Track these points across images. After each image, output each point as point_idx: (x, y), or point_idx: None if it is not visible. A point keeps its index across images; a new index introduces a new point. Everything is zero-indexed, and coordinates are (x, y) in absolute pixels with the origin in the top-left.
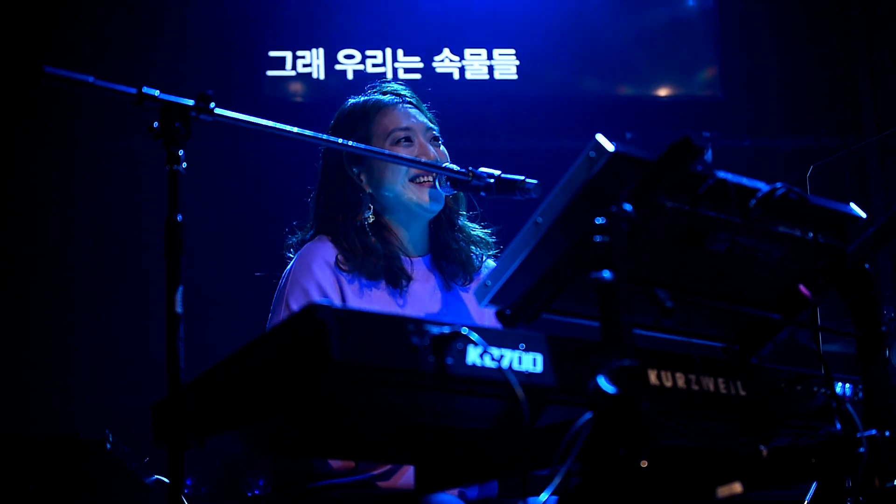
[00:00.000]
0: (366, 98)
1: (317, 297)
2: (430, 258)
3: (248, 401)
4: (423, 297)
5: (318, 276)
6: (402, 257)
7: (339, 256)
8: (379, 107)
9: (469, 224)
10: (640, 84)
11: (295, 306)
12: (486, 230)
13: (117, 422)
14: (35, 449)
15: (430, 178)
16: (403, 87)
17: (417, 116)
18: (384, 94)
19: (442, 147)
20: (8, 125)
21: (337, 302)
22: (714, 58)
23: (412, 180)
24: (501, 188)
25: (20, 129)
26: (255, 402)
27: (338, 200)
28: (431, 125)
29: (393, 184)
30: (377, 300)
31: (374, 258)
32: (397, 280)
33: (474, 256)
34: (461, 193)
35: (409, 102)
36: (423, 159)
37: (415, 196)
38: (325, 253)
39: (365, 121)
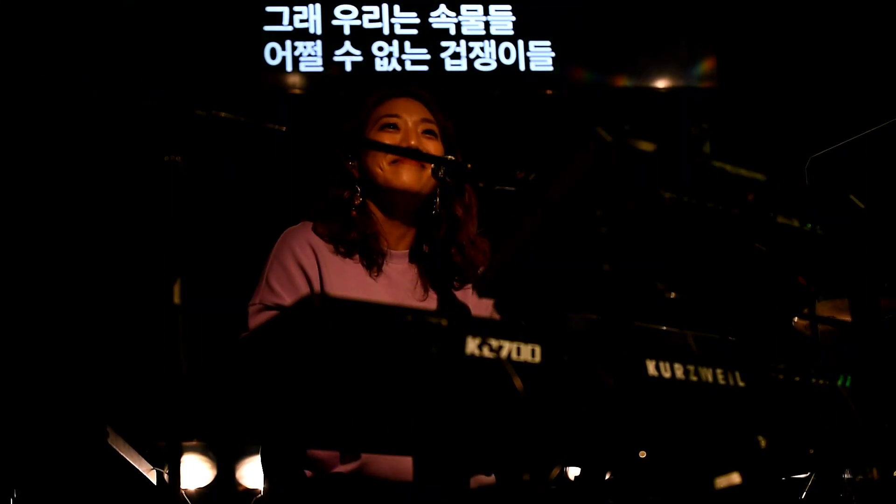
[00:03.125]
0: (373, 91)
1: (297, 276)
2: (412, 253)
3: (243, 393)
4: (399, 285)
5: (297, 253)
6: (381, 240)
7: (321, 229)
8: (380, 97)
9: (473, 239)
10: (639, 75)
11: (276, 284)
12: (485, 245)
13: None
14: None
15: (409, 161)
16: (417, 87)
17: (415, 110)
18: (393, 89)
19: (438, 143)
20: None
21: (315, 280)
22: (713, 49)
23: (392, 163)
24: (496, 179)
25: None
26: (250, 394)
27: (329, 185)
28: (430, 119)
29: (373, 166)
30: (352, 276)
31: (352, 236)
32: (371, 257)
33: (469, 269)
34: (472, 206)
35: (413, 98)
36: (402, 145)
37: (391, 177)
38: (305, 233)
39: (364, 110)
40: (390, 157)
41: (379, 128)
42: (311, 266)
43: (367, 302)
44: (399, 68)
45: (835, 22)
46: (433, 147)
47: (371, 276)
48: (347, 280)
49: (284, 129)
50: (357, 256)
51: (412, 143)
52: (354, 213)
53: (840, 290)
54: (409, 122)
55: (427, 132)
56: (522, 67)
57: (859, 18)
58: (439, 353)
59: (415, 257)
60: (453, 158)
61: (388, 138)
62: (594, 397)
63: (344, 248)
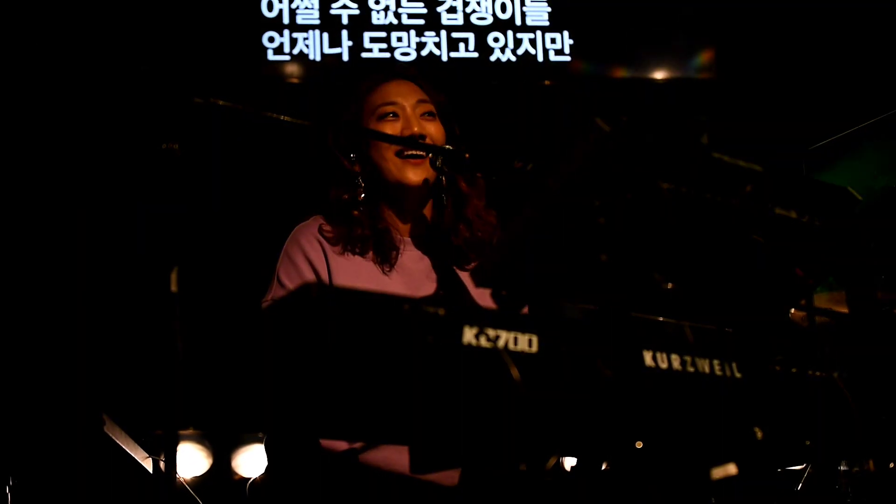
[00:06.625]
0: (363, 79)
1: (305, 271)
2: (425, 238)
3: (244, 383)
4: (413, 274)
5: (307, 249)
6: (393, 233)
7: (328, 232)
8: (371, 84)
9: (480, 213)
10: (637, 66)
11: (286, 280)
12: (492, 217)
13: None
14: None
15: (416, 153)
16: (403, 68)
17: (409, 92)
18: (381, 73)
19: (438, 123)
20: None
21: (324, 274)
22: (711, 40)
23: (398, 155)
24: (495, 167)
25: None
26: (246, 383)
27: (330, 180)
28: (426, 100)
29: (379, 160)
30: (364, 272)
31: (362, 232)
32: (385, 252)
33: (480, 243)
34: (478, 180)
35: (405, 79)
36: (405, 134)
37: (398, 171)
38: (314, 228)
39: (356, 99)
40: (395, 148)
41: (377, 118)
42: (319, 260)
43: (364, 291)
44: (398, 57)
45: (834, 13)
46: (434, 129)
47: (384, 271)
48: (359, 278)
49: (307, 123)
50: (370, 254)
51: (415, 130)
52: (357, 212)
53: (838, 282)
54: (407, 106)
55: (426, 114)
56: None
57: (858, 10)
58: (436, 342)
59: (428, 240)
60: (451, 148)
61: (390, 128)
62: (591, 388)
63: (352, 246)
